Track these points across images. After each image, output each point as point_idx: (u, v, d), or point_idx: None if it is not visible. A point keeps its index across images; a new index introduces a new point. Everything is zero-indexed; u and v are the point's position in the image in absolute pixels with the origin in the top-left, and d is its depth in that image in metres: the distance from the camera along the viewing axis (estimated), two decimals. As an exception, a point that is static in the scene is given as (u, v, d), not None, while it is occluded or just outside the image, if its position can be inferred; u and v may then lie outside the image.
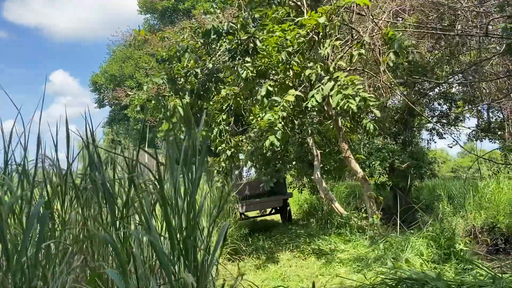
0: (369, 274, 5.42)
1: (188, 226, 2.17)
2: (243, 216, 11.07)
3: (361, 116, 9.03)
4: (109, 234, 1.75)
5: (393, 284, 4.30)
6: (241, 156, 11.33)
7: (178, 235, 2.16)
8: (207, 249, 2.20)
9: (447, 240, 5.84)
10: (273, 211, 12.69)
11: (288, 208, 12.15)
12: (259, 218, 13.20)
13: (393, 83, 10.33)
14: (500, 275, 4.13)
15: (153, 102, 7.76)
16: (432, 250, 5.83)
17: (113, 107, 28.97)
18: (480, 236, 10.31)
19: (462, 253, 5.71)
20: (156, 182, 2.32)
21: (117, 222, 2.22)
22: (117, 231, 2.06)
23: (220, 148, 7.97)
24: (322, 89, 6.65)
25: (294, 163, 12.16)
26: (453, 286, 3.87)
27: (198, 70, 7.62)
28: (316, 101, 6.74)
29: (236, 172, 12.75)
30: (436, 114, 16.98)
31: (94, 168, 2.47)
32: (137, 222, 2.42)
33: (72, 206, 2.45)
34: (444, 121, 16.86)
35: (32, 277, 1.70)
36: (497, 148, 16.65)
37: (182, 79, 7.86)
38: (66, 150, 2.49)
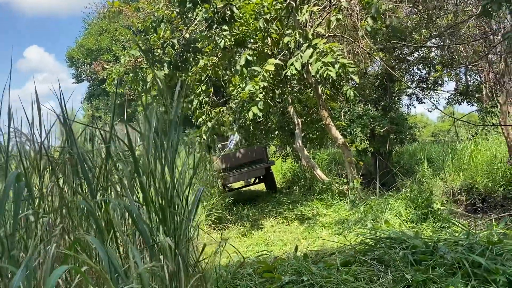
0: (349, 235, 5.59)
1: (164, 192, 2.21)
2: (226, 188, 11.04)
3: (341, 83, 9.08)
4: (86, 201, 1.77)
5: (373, 244, 4.45)
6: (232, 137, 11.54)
7: (155, 202, 2.20)
8: (185, 213, 2.25)
9: (425, 200, 6.03)
10: (257, 180, 12.74)
11: (272, 176, 12.22)
12: (243, 189, 13.34)
13: (372, 49, 10.35)
14: (474, 231, 4.31)
15: (130, 75, 7.67)
16: (411, 211, 6.02)
17: (91, 82, 28.46)
18: (458, 196, 10.62)
19: (439, 213, 5.91)
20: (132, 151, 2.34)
21: (95, 192, 2.24)
22: (94, 199, 2.09)
23: (200, 119, 7.95)
24: (301, 56, 6.64)
25: (276, 132, 12.25)
26: (430, 243, 4.02)
27: (175, 41, 7.50)
28: (296, 69, 6.74)
29: (219, 145, 12.77)
30: (415, 79, 17.13)
31: (71, 141, 2.47)
32: (118, 191, 2.44)
33: (50, 179, 2.46)
34: (424, 85, 17.04)
35: (12, 247, 1.73)
36: (474, 111, 16.97)
37: (159, 51, 7.75)
38: (39, 124, 2.48)
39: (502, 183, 10.05)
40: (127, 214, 2.49)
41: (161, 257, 2.11)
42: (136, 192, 2.65)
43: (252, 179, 12.69)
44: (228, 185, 11.38)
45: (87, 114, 29.35)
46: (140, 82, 7.65)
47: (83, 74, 27.95)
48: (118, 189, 2.33)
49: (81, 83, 29.62)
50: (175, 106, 2.66)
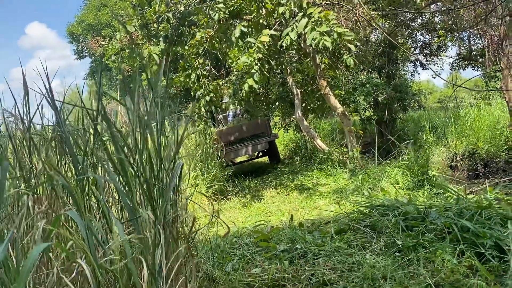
0: (346, 204, 5.67)
1: (151, 166, 2.26)
2: (230, 163, 10.94)
3: (341, 51, 8.98)
4: (64, 178, 1.83)
5: (367, 212, 4.53)
6: (225, 100, 11.32)
7: (140, 176, 2.26)
8: (172, 186, 2.31)
9: (421, 167, 6.07)
10: (260, 154, 12.63)
11: (276, 149, 12.10)
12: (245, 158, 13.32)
13: (371, 15, 10.17)
14: (466, 196, 4.36)
15: (127, 51, 7.65)
16: (407, 178, 6.07)
17: (93, 58, 28.35)
18: (461, 162, 10.64)
19: (434, 179, 5.95)
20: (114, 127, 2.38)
21: (82, 168, 2.30)
22: (80, 176, 2.15)
23: (199, 93, 7.96)
24: (296, 26, 6.57)
25: (277, 103, 12.22)
26: (422, 209, 4.09)
27: (170, 14, 7.44)
28: (291, 39, 6.68)
29: (220, 116, 12.74)
30: (419, 45, 16.86)
31: (58, 120, 2.52)
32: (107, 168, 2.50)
33: (38, 157, 2.52)
34: (427, 51, 16.78)
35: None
36: (478, 75, 16.75)
37: (155, 25, 7.70)
38: (27, 103, 2.53)
39: (504, 147, 10.04)
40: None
41: (147, 228, 2.19)
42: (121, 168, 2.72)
43: (255, 153, 12.59)
44: (231, 160, 11.25)
45: (91, 90, 29.31)
46: (137, 58, 7.64)
47: (85, 50, 27.82)
48: (105, 164, 2.39)
49: (83, 59, 29.57)
50: (159, 80, 2.69)
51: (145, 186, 2.20)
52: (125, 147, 2.24)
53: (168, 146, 2.56)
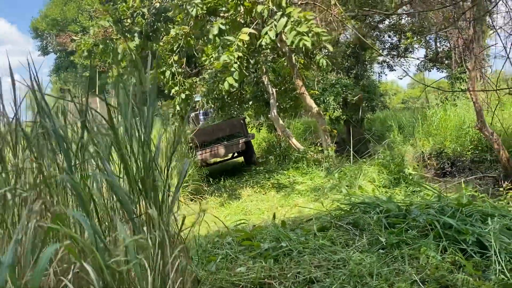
0: (325, 202, 5.72)
1: (145, 165, 2.20)
2: (204, 164, 10.42)
3: (314, 52, 9.08)
4: (69, 174, 1.76)
5: (348, 209, 4.58)
6: (198, 98, 11.12)
7: (136, 175, 2.20)
8: (166, 186, 2.26)
9: (397, 166, 6.21)
10: (236, 154, 12.17)
11: (252, 150, 11.73)
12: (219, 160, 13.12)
13: (344, 16, 10.32)
14: (445, 194, 4.49)
15: (100, 46, 7.44)
16: (383, 176, 6.20)
17: (58, 54, 27.50)
18: (428, 161, 10.96)
19: (410, 177, 6.11)
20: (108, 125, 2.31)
21: (73, 166, 2.21)
22: (73, 174, 2.07)
23: (173, 90, 7.83)
24: (275, 25, 6.57)
25: (250, 102, 12.20)
26: (403, 207, 4.16)
27: (145, 10, 7.30)
28: (270, 38, 6.68)
29: (193, 114, 12.56)
30: (386, 46, 17.29)
31: (44, 115, 2.42)
32: (94, 166, 2.43)
33: (25, 155, 2.41)
34: (394, 53, 17.23)
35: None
36: (444, 77, 17.31)
37: (129, 20, 7.53)
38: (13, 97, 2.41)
39: (470, 147, 10.39)
40: (104, 188, 2.49)
41: (144, 229, 2.13)
42: (113, 165, 2.64)
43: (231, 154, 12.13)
44: (205, 161, 10.74)
45: (55, 87, 28.48)
46: (111, 53, 7.45)
47: (49, 46, 26.94)
48: (96, 163, 2.32)
49: (48, 55, 28.63)
50: (148, 76, 2.63)
51: (140, 184, 2.14)
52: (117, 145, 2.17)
53: (160, 142, 2.50)
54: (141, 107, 2.49)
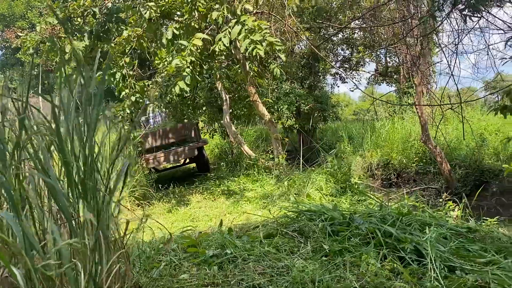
0: (273, 209, 5.76)
1: (86, 167, 2.15)
2: (152, 170, 10.07)
3: (269, 61, 9.20)
4: (3, 174, 1.68)
5: (294, 217, 4.64)
6: (148, 102, 10.86)
7: (76, 177, 2.14)
8: (107, 189, 2.21)
9: (344, 175, 6.38)
10: (188, 160, 11.78)
11: (205, 156, 11.37)
12: (170, 165, 12.73)
13: (299, 27, 10.53)
14: (387, 203, 4.65)
15: (47, 44, 7.15)
16: (331, 185, 6.34)
17: (4, 50, 26.21)
18: (376, 172, 11.34)
19: (356, 186, 6.29)
20: (51, 124, 2.24)
21: (8, 166, 2.12)
22: (8, 174, 1.97)
23: (124, 93, 7.66)
24: (230, 33, 6.60)
25: (204, 108, 12.14)
26: (347, 215, 4.27)
27: (97, 10, 7.10)
28: (224, 45, 6.70)
29: (143, 118, 12.30)
30: (339, 59, 17.76)
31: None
32: (32, 166, 2.34)
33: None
34: (347, 65, 17.72)
35: None
36: (392, 91, 18.01)
37: (79, 19, 7.30)
38: None
39: (415, 159, 10.87)
40: (42, 190, 2.40)
41: (82, 232, 2.07)
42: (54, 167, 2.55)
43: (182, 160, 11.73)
44: (155, 167, 10.44)
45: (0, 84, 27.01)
46: (58, 52, 7.17)
47: (-4, 41, 25.66)
48: (34, 163, 2.23)
49: (-7, 51, 27.20)
50: (94, 78, 2.57)
51: (80, 187, 2.08)
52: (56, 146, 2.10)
53: (103, 145, 2.45)
54: (85, 108, 2.43)
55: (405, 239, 3.45)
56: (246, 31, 6.30)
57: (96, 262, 1.98)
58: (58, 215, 2.29)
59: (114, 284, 2.17)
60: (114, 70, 7.79)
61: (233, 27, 6.49)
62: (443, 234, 3.68)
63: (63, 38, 7.32)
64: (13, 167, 2.15)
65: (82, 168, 2.17)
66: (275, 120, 12.43)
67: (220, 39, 6.59)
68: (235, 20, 6.56)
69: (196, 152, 10.29)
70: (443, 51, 6.45)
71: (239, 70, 9.21)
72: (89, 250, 1.90)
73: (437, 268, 3.11)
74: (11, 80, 27.37)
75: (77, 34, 7.30)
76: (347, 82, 18.99)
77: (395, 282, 3.03)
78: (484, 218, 4.72)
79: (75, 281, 1.70)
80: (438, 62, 11.10)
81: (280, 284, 3.21)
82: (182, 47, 6.64)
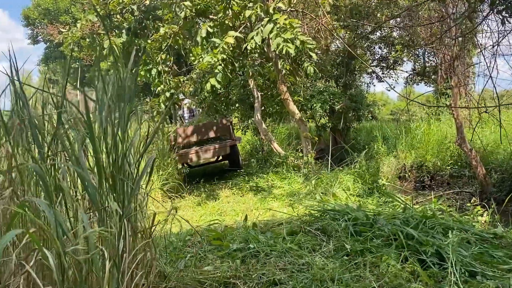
0: (299, 207, 5.83)
1: (115, 160, 2.28)
2: (185, 164, 10.22)
3: (302, 59, 9.20)
4: (38, 164, 1.83)
5: (318, 215, 4.69)
6: (182, 97, 11.07)
7: (106, 169, 2.28)
8: (134, 181, 2.34)
9: (372, 176, 6.36)
10: (220, 157, 11.57)
11: (237, 154, 11.20)
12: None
13: (334, 26, 10.48)
14: (413, 206, 4.63)
15: (87, 40, 7.46)
16: (358, 185, 6.34)
17: (48, 44, 27.26)
18: (409, 174, 11.17)
19: (383, 188, 6.25)
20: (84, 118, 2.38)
21: (46, 156, 2.28)
22: (45, 164, 2.14)
23: (159, 88, 7.89)
24: (262, 31, 6.69)
25: (237, 105, 12.28)
26: (371, 216, 4.29)
27: (135, 7, 7.35)
28: (256, 43, 6.79)
29: (180, 113, 12.55)
30: (376, 57, 17.47)
31: (22, 105, 2.48)
32: (67, 158, 2.49)
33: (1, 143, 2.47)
34: (384, 64, 17.42)
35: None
36: (430, 91, 17.58)
37: (118, 16, 7.57)
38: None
39: (450, 162, 10.63)
40: (76, 180, 2.56)
41: (109, 222, 2.21)
42: (87, 159, 2.71)
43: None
44: (188, 162, 10.44)
45: (43, 77, 28.18)
46: (97, 48, 7.47)
47: (40, 35, 26.70)
48: (68, 154, 2.38)
49: (38, 44, 28.38)
50: (128, 73, 2.70)
51: (110, 179, 2.22)
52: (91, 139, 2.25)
53: (135, 139, 2.58)
54: (119, 103, 2.57)
55: (427, 242, 3.45)
56: (278, 29, 6.36)
57: (121, 250, 2.12)
58: (89, 204, 2.45)
59: (138, 271, 2.31)
60: (150, 66, 8.04)
61: (265, 26, 6.57)
62: (466, 238, 3.65)
63: (102, 35, 7.61)
64: (49, 158, 2.33)
65: (113, 159, 2.31)
66: (307, 119, 12.44)
67: (252, 37, 6.68)
68: (268, 18, 6.63)
69: (228, 150, 10.23)
70: (482, 53, 6.28)
71: (272, 68, 9.28)
72: (115, 238, 2.03)
73: (457, 272, 3.10)
74: (54, 73, 28.42)
75: (116, 31, 7.57)
76: (383, 81, 18.66)
77: (413, 284, 3.05)
78: (514, 224, 4.64)
79: (101, 266, 1.83)
80: (476, 64, 10.79)
81: (300, 280, 3.28)
82: (216, 44, 6.78)
